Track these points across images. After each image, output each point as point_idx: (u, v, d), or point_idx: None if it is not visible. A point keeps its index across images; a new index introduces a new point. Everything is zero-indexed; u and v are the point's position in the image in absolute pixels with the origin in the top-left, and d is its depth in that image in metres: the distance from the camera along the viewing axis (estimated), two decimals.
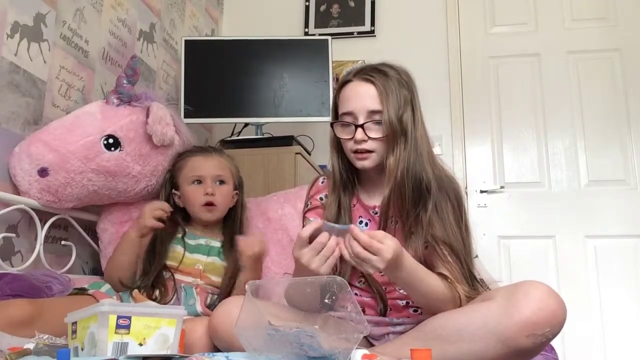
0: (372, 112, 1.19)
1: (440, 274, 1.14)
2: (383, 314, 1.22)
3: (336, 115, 1.26)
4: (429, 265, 1.20)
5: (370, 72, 1.21)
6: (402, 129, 1.18)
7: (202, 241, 1.56)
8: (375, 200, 1.28)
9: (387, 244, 0.98)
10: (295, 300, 1.12)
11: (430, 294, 1.09)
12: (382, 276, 1.20)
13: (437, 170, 1.23)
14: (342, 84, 1.26)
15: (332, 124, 1.26)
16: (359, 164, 1.22)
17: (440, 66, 2.69)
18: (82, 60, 1.79)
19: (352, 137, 1.20)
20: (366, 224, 1.28)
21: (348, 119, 1.22)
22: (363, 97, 1.20)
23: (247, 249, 1.44)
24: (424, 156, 1.20)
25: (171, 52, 2.39)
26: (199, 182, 1.57)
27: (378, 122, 1.19)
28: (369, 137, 1.19)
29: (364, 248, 0.97)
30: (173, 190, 1.63)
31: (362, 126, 1.19)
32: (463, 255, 1.16)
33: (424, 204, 1.19)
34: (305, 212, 1.35)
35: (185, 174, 1.59)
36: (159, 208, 1.48)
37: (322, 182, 1.36)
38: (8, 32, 1.49)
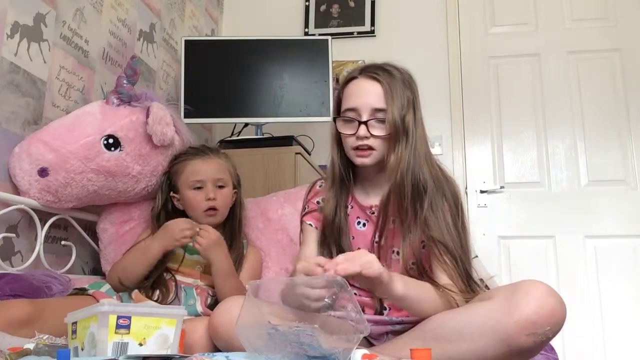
0: (376, 110, 1.20)
1: (434, 283, 1.13)
2: (379, 312, 1.22)
3: (338, 112, 1.27)
4: (425, 265, 1.20)
5: (376, 71, 1.22)
6: (404, 129, 1.19)
7: None
8: (372, 200, 1.28)
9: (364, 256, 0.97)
10: (293, 300, 1.12)
11: (427, 309, 1.08)
12: None
13: (434, 170, 1.23)
14: (347, 80, 1.27)
15: (334, 119, 1.27)
16: (359, 160, 1.23)
17: (440, 66, 2.69)
18: (82, 60, 1.79)
19: (354, 133, 1.21)
20: (364, 225, 1.28)
21: (351, 114, 1.22)
22: (368, 94, 1.21)
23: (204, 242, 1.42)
24: (422, 156, 1.21)
25: (171, 52, 2.39)
26: (200, 187, 1.55)
27: (381, 121, 1.19)
28: (372, 135, 1.19)
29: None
30: (171, 193, 1.61)
31: (365, 123, 1.19)
32: (459, 256, 1.16)
33: (420, 203, 1.19)
34: (302, 216, 1.36)
35: (185, 179, 1.57)
36: (189, 228, 1.44)
37: (320, 186, 1.37)
38: (8, 32, 1.49)
